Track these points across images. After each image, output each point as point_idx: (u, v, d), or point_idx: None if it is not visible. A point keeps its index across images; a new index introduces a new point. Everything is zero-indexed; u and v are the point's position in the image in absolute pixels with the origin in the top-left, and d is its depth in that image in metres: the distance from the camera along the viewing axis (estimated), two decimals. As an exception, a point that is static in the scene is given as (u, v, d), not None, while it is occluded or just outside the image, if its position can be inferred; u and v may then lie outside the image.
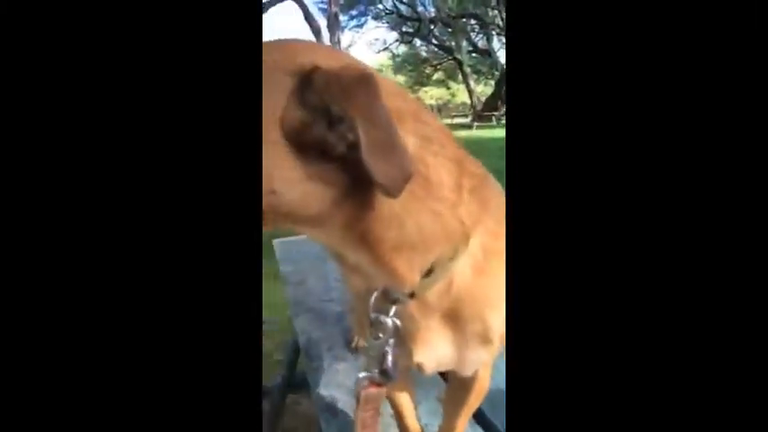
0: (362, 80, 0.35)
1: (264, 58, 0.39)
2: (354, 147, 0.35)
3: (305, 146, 0.37)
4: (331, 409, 0.78)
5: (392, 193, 0.35)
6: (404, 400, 0.65)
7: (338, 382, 0.85)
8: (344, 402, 0.79)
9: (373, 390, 0.49)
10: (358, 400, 0.50)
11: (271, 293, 3.04)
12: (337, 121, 0.36)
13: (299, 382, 1.63)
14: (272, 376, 1.86)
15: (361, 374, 0.49)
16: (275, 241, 1.84)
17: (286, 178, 0.37)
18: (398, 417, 0.66)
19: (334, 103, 0.35)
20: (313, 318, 1.13)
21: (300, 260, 1.54)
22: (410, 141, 0.39)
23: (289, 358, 1.53)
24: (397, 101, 0.39)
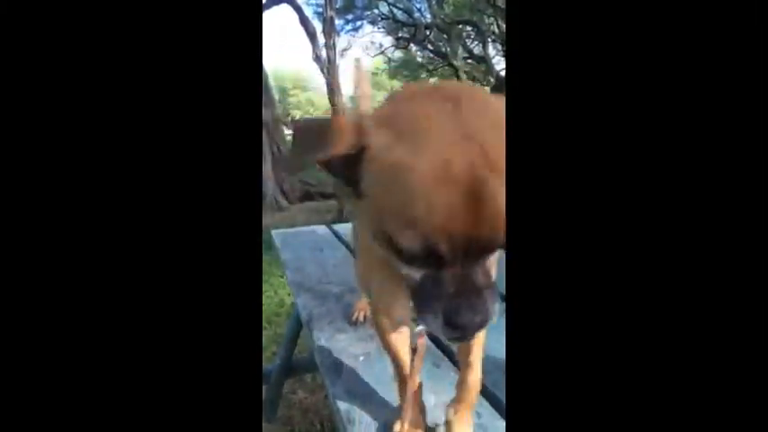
0: None
1: None
2: None
3: None
4: (335, 372, 0.83)
5: None
6: (404, 355, 0.69)
7: (340, 350, 0.90)
8: (347, 366, 0.84)
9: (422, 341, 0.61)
10: (414, 351, 0.62)
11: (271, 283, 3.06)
12: None
13: (295, 367, 1.67)
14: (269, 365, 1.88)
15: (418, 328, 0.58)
16: (274, 232, 1.88)
17: None
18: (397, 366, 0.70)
19: None
20: (314, 296, 1.17)
21: (298, 248, 1.58)
22: None
23: (288, 340, 1.56)
24: None
